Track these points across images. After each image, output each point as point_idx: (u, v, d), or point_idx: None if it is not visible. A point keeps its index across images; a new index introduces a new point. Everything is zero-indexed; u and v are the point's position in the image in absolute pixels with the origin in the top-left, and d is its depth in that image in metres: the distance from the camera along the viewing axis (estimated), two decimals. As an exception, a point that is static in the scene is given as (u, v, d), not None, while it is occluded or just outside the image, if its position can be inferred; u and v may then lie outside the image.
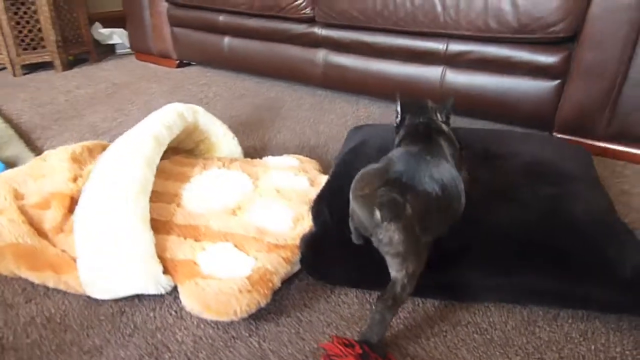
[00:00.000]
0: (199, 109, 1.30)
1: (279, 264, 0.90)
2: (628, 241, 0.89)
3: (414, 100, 1.10)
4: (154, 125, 1.10)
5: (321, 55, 1.93)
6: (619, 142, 1.47)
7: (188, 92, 2.13)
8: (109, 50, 2.76)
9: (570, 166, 1.15)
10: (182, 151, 1.36)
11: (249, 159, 1.33)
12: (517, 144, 1.26)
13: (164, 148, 1.10)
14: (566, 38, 1.41)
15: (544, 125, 1.58)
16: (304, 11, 1.83)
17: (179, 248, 0.93)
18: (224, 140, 1.36)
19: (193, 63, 2.49)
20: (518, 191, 1.02)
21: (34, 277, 0.93)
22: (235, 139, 1.39)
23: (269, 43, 2.05)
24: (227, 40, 2.17)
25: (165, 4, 2.29)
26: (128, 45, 2.65)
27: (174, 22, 2.30)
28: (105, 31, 2.69)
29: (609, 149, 1.48)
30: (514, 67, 1.53)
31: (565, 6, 1.33)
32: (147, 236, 0.90)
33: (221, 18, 2.11)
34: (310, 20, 1.86)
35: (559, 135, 1.56)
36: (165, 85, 2.22)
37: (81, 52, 2.53)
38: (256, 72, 2.24)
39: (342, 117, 1.84)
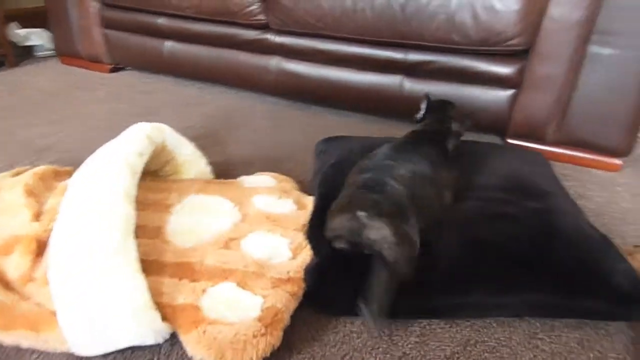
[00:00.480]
0: (166, 128, 1.21)
1: (288, 301, 0.86)
2: (611, 251, 0.95)
3: (441, 101, 1.25)
4: (127, 153, 1.00)
5: (274, 62, 1.87)
6: (566, 147, 1.58)
7: (129, 100, 1.98)
8: (26, 53, 2.49)
9: (541, 178, 1.21)
10: (146, 174, 1.26)
11: (222, 180, 1.26)
12: (487, 156, 1.31)
13: (138, 177, 1.01)
14: (521, 51, 1.49)
15: (498, 131, 1.66)
16: (257, 17, 1.77)
17: (177, 291, 0.86)
18: (191, 160, 1.28)
19: (128, 68, 2.32)
20: (505, 207, 1.05)
21: (4, 337, 0.81)
22: (204, 157, 1.31)
23: (217, 49, 1.95)
24: (168, 44, 2.04)
25: (96, 4, 2.11)
26: (49, 47, 2.40)
27: (107, 24, 2.12)
28: (22, 32, 2.42)
29: (557, 153, 1.59)
30: (472, 77, 1.58)
31: (523, 21, 1.40)
32: (139, 281, 0.82)
33: (161, 21, 1.98)
34: (264, 27, 1.80)
35: (511, 141, 1.64)
36: (101, 92, 2.05)
37: (-3, 55, 2.26)
38: (200, 78, 2.13)
39: (299, 126, 1.80)
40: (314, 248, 0.96)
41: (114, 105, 1.92)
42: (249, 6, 1.75)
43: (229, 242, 0.97)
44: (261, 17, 1.76)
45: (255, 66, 1.91)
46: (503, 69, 1.53)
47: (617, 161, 1.56)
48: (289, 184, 1.25)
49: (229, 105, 1.97)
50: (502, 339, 0.91)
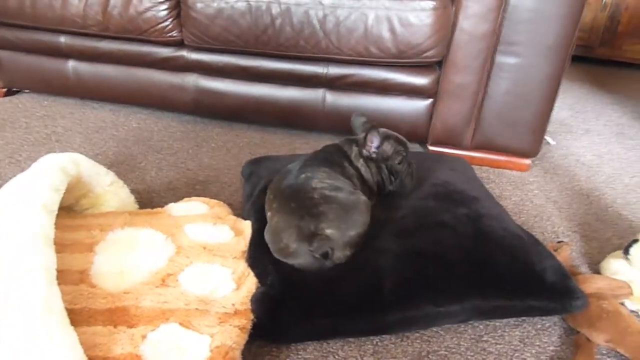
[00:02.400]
0: (81, 158, 1.10)
1: (237, 336, 0.81)
2: (540, 249, 1.01)
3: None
4: (41, 191, 0.89)
5: (191, 80, 1.80)
6: (482, 150, 1.68)
7: (26, 127, 1.79)
8: None
9: (467, 183, 1.26)
10: (60, 210, 1.14)
11: (149, 210, 1.17)
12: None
13: (54, 216, 0.90)
14: (436, 62, 1.56)
15: (420, 139, 1.73)
16: (170, 34, 1.68)
17: (113, 341, 0.77)
18: (112, 190, 1.18)
19: (26, 91, 2.11)
20: (440, 216, 1.08)
21: None
22: (125, 187, 1.22)
23: (127, 68, 1.83)
24: (71, 64, 1.89)
25: (-19, 23, 1.89)
26: None
27: (1, 44, 1.91)
28: None
29: (475, 157, 1.67)
30: (391, 89, 1.63)
31: (437, 34, 1.46)
32: (69, 335, 0.73)
33: (63, 39, 1.82)
34: (179, 44, 1.72)
35: (433, 148, 1.71)
36: (-8, 120, 1.84)
37: None
38: (110, 100, 1.99)
39: (222, 145, 1.74)
40: (258, 276, 0.92)
41: (8, 134, 1.73)
42: (161, 22, 1.66)
43: (166, 279, 0.90)
44: (175, 33, 1.68)
45: (171, 85, 1.82)
46: (420, 80, 1.59)
47: (526, 161, 1.68)
48: (222, 208, 1.20)
49: (145, 127, 1.85)
50: (451, 346, 0.93)
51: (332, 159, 1.13)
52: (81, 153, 1.59)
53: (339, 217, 0.96)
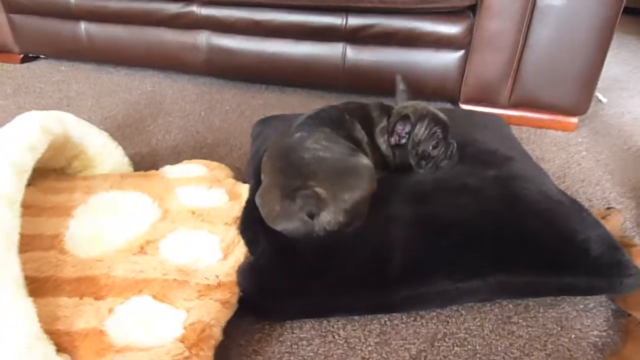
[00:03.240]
0: (68, 117, 1.02)
1: (218, 311, 0.71)
2: (585, 217, 0.85)
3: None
4: (10, 148, 0.81)
5: (203, 38, 1.68)
6: (522, 109, 1.49)
7: (39, 92, 1.74)
8: None
9: (501, 142, 1.10)
10: (51, 172, 1.07)
11: (141, 172, 1.08)
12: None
13: (27, 176, 0.82)
14: (467, 8, 1.37)
15: (450, 97, 1.55)
16: (177, -12, 1.57)
17: (76, 313, 0.69)
18: (104, 151, 1.09)
19: (43, 56, 2.06)
20: (463, 178, 0.93)
21: None
22: (120, 148, 1.13)
23: (138, 27, 1.74)
24: (83, 26, 1.81)
25: (-6, -15, 1.84)
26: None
27: (11, 8, 1.85)
28: None
29: (513, 116, 1.49)
30: (417, 40, 1.45)
31: (468, -27, 1.27)
32: (24, 306, 0.65)
33: (74, 0, 1.74)
34: (187, -2, 1.60)
35: (465, 107, 1.53)
36: (6, 85, 1.80)
37: None
38: (124, 63, 1.91)
39: (236, 107, 1.63)
40: (248, 244, 0.81)
41: (21, 99, 1.68)
42: (167, -25, 1.55)
43: (145, 246, 0.80)
44: (183, -13, 1.56)
45: (183, 44, 1.71)
46: (450, 28, 1.41)
47: (573, 120, 1.48)
48: (222, 171, 1.09)
49: (158, 90, 1.77)
50: (472, 328, 0.79)
51: (339, 119, 0.99)
52: (90, 116, 1.54)
53: (331, 178, 0.83)
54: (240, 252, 0.81)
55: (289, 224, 0.81)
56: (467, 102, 1.52)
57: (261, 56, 1.63)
